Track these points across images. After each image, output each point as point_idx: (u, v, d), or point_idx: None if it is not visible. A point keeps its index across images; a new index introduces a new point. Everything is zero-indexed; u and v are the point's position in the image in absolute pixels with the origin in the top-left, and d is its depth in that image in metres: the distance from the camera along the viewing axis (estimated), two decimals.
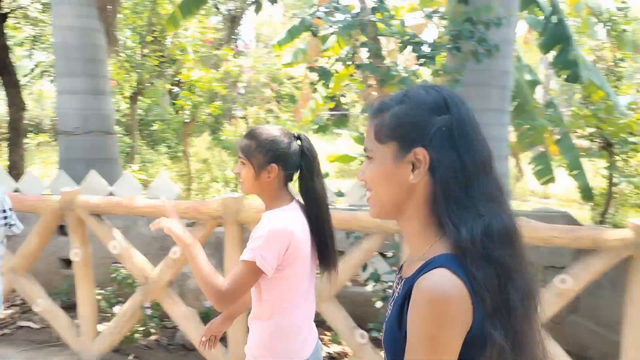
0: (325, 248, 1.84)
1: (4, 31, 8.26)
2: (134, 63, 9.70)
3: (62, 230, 4.39)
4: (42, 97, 16.53)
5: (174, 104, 9.79)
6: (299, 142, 1.80)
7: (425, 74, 5.19)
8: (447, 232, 0.94)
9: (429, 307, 0.87)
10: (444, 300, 0.87)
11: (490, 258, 0.91)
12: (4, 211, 2.70)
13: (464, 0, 3.53)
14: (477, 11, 3.47)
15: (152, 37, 9.84)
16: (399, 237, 3.16)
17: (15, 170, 7.98)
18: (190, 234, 1.73)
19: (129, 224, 4.28)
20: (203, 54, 10.69)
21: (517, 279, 0.93)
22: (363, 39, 3.59)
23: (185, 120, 8.77)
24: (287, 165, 1.77)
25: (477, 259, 0.90)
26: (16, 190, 4.45)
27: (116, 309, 3.89)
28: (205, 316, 3.67)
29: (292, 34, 8.35)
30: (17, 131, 8.35)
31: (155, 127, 11.84)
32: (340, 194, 3.45)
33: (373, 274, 3.22)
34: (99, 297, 3.95)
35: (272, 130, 1.78)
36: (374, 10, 3.46)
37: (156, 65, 10.17)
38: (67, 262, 4.46)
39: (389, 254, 3.53)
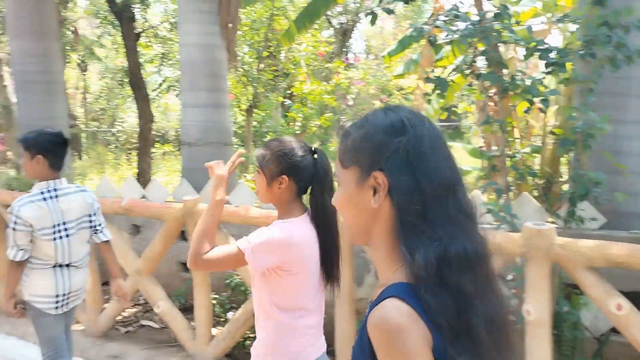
0: (329, 262, 1.87)
1: (137, 49, 9.02)
2: (251, 77, 10.13)
3: (183, 235, 4.63)
4: (167, 110, 17.86)
5: (286, 116, 10.08)
6: (315, 156, 1.84)
7: (553, 83, 4.84)
8: (404, 258, 0.91)
9: (385, 341, 0.86)
10: (396, 330, 0.85)
11: (447, 284, 0.88)
12: (90, 215, 2.91)
13: (599, 2, 3.22)
14: (616, 14, 3.14)
15: (268, 52, 10.23)
16: (521, 260, 2.93)
17: (143, 177, 8.65)
18: (223, 196, 1.87)
19: (243, 232, 4.38)
20: (315, 67, 10.92)
21: (479, 305, 0.90)
22: (481, 46, 3.41)
23: (297, 132, 8.97)
24: (299, 177, 1.82)
25: (431, 285, 0.87)
26: (143, 197, 4.78)
27: (230, 314, 4.01)
28: None
29: (403, 44, 8.24)
30: (145, 141, 9.06)
31: (268, 138, 12.29)
32: None
33: None
34: (214, 302, 4.10)
35: (288, 142, 1.85)
36: (496, 16, 3.27)
37: (270, 79, 10.55)
38: (186, 266, 4.70)
39: (509, 276, 3.28)
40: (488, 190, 3.34)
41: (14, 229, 2.65)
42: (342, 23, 14.52)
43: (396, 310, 0.87)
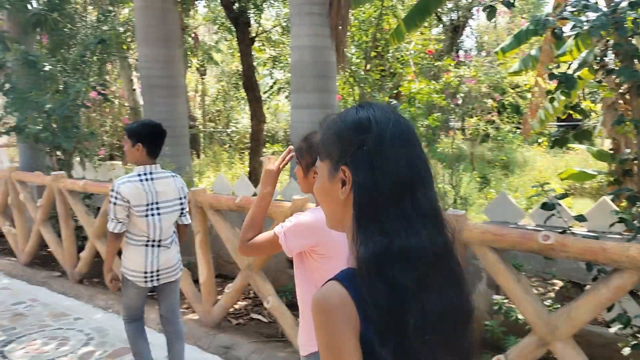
0: None
1: (251, 53, 9.40)
2: (358, 78, 10.14)
3: None
4: (277, 111, 18.48)
5: None
6: None
7: None
8: (353, 248, 0.97)
9: (316, 317, 0.94)
10: (325, 309, 0.93)
11: (385, 277, 0.91)
12: (181, 198, 3.26)
13: None
14: None
15: (375, 52, 10.19)
16: None
17: (254, 175, 9.00)
18: (270, 190, 2.01)
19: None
20: (423, 65, 10.68)
21: (416, 302, 0.91)
22: (612, 39, 3.10)
23: None
24: None
25: (367, 275, 0.92)
26: (254, 195, 4.96)
27: None
28: None
29: (520, 39, 7.77)
30: (257, 141, 9.42)
31: None
32: (580, 218, 3.01)
33: (621, 315, 2.72)
34: None
35: None
36: (632, 5, 2.96)
37: (377, 79, 10.50)
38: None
39: None
40: (619, 197, 3.03)
41: (114, 203, 3.03)
42: (452, 19, 14.10)
43: (330, 292, 0.94)
